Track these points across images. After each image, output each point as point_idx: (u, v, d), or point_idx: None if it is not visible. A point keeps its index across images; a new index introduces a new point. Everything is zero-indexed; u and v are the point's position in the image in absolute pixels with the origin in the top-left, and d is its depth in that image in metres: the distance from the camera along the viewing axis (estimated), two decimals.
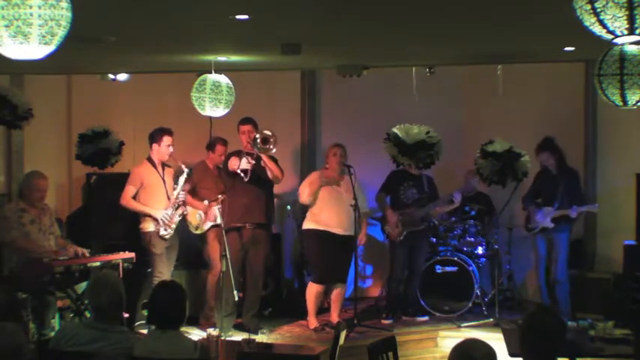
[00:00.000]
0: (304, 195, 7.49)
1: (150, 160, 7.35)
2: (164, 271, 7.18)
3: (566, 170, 7.82)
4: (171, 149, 7.32)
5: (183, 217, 7.44)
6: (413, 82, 8.88)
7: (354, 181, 7.40)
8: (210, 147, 7.88)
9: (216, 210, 7.18)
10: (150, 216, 7.16)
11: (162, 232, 7.15)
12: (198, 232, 7.64)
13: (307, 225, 7.56)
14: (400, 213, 7.84)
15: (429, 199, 7.99)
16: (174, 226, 7.22)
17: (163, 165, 7.40)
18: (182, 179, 7.25)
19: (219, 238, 7.10)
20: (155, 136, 7.33)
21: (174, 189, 7.27)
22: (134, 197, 7.25)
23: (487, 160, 7.76)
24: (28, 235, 6.65)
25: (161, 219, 7.14)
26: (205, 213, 7.51)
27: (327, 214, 7.44)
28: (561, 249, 7.71)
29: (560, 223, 7.70)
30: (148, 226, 7.19)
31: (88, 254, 6.77)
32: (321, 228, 7.45)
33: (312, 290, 7.53)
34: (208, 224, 7.56)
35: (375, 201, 8.08)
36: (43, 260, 6.40)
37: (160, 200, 7.24)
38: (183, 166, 7.26)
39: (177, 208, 7.23)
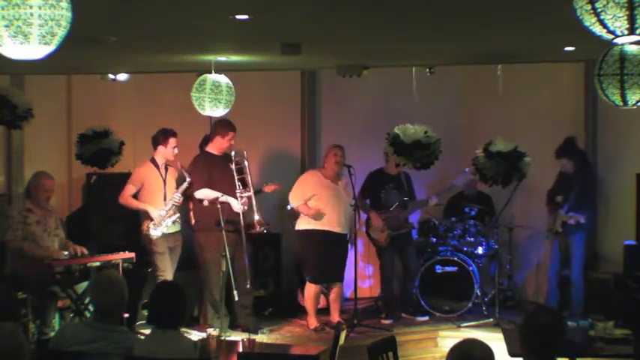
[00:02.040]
0: (294, 203, 7.56)
1: (153, 161, 7.37)
2: (167, 269, 7.18)
3: (584, 173, 7.77)
4: (176, 150, 7.35)
5: (184, 218, 7.44)
6: (413, 82, 8.87)
7: (354, 181, 7.42)
8: (207, 144, 7.86)
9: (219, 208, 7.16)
10: (146, 213, 7.17)
11: (152, 231, 7.15)
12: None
13: (303, 225, 7.55)
14: (385, 217, 7.84)
15: (410, 198, 8.02)
16: (163, 228, 7.19)
17: (166, 165, 7.41)
18: (183, 187, 7.25)
19: (222, 238, 7.07)
20: (160, 139, 7.35)
21: (175, 190, 7.27)
22: (135, 197, 7.26)
23: (492, 161, 7.73)
24: (33, 236, 6.66)
25: (155, 217, 7.15)
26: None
27: (325, 212, 7.44)
28: (576, 251, 7.73)
29: (570, 226, 7.68)
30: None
31: (86, 251, 6.80)
32: (318, 227, 7.45)
33: (310, 290, 7.53)
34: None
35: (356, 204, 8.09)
36: (43, 261, 6.42)
37: (159, 201, 7.26)
38: (186, 174, 7.24)
39: (170, 209, 7.22)
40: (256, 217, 7.16)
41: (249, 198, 7.22)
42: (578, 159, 7.78)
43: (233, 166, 7.26)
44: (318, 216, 7.44)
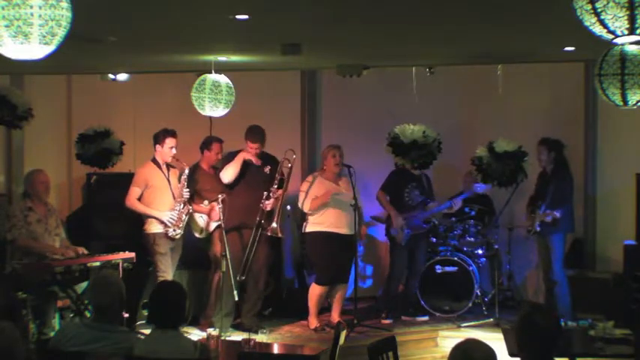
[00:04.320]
0: (306, 208, 7.48)
1: (154, 161, 7.32)
2: (168, 270, 7.14)
3: (559, 173, 7.71)
4: (174, 151, 7.28)
5: (187, 220, 7.42)
6: (413, 82, 8.88)
7: (354, 181, 7.40)
8: (207, 145, 7.85)
9: (218, 209, 7.16)
10: (156, 218, 7.15)
11: (171, 232, 7.13)
12: (202, 235, 7.62)
13: (311, 227, 7.53)
14: (405, 216, 7.82)
15: (429, 199, 7.99)
16: (182, 225, 7.20)
17: (168, 166, 7.38)
18: (183, 177, 7.23)
19: (222, 238, 7.09)
20: (158, 138, 7.30)
21: (181, 186, 7.25)
22: (139, 198, 7.23)
23: (499, 162, 7.69)
24: (34, 234, 6.67)
25: (168, 221, 7.12)
26: (209, 214, 7.48)
27: (330, 214, 7.42)
28: (553, 250, 7.64)
29: (548, 225, 7.61)
30: (152, 227, 7.16)
31: (85, 252, 6.81)
32: (326, 229, 7.43)
33: (316, 291, 7.51)
34: (213, 225, 7.53)
35: (376, 199, 8.05)
36: (43, 260, 6.42)
37: (165, 201, 7.20)
38: (184, 164, 7.25)
39: (183, 207, 7.21)
40: (274, 224, 7.17)
41: (276, 200, 7.23)
42: (556, 156, 7.69)
43: (267, 168, 7.34)
44: (323, 217, 7.42)
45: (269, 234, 7.22)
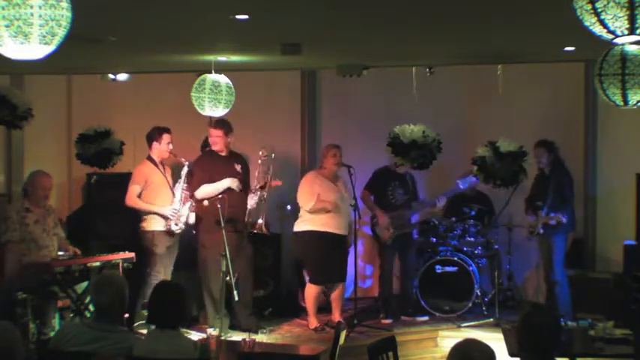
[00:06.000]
0: (308, 207, 7.43)
1: (150, 159, 7.32)
2: (162, 270, 7.14)
3: (557, 173, 7.70)
4: (170, 146, 7.30)
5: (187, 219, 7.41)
6: (413, 82, 8.88)
7: (354, 181, 7.40)
8: (208, 146, 7.84)
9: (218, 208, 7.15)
10: (158, 214, 7.13)
11: (173, 227, 7.12)
12: None
13: (302, 227, 7.50)
14: (391, 215, 7.82)
15: (413, 199, 8.01)
16: (183, 219, 7.19)
17: (162, 163, 7.38)
18: (184, 173, 7.23)
19: (222, 238, 7.07)
20: (154, 136, 7.30)
21: (177, 183, 7.25)
22: (138, 196, 7.22)
23: (502, 162, 7.68)
24: (32, 235, 6.66)
25: (170, 215, 7.11)
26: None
27: (325, 214, 7.41)
28: (554, 250, 7.63)
29: (551, 227, 7.60)
30: (152, 225, 7.15)
31: (78, 252, 6.80)
32: (319, 229, 7.42)
33: (311, 291, 7.51)
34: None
35: (360, 199, 8.03)
36: (42, 261, 6.42)
37: (165, 197, 7.19)
38: (183, 160, 7.24)
39: (183, 202, 7.21)
40: (260, 221, 7.15)
41: (260, 197, 7.21)
42: (554, 158, 7.68)
43: (239, 167, 7.28)
44: (318, 216, 7.41)
45: (255, 231, 7.19)
